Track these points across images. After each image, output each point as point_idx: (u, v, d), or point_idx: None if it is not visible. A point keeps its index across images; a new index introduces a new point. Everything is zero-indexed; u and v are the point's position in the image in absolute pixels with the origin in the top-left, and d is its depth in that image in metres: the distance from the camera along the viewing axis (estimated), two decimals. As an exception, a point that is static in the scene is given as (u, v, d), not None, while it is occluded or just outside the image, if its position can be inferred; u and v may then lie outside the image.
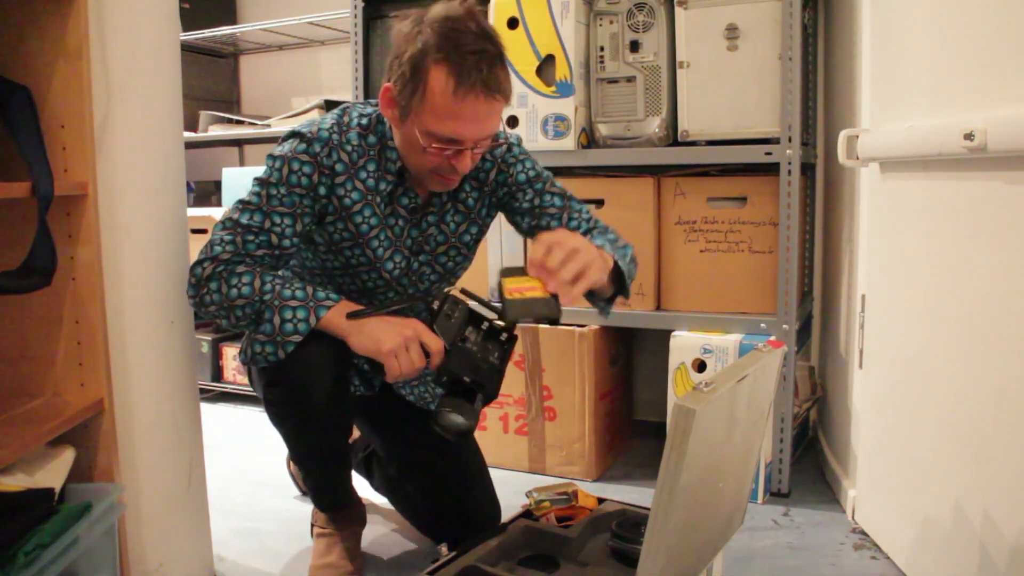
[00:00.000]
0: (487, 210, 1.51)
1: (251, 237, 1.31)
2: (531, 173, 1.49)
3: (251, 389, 1.64)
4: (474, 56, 1.21)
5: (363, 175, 1.38)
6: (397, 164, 1.38)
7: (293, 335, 1.26)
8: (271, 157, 1.35)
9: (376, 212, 1.40)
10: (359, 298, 1.48)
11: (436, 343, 1.27)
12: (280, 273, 1.34)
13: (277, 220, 1.32)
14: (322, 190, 1.35)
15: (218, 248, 1.30)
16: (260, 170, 1.39)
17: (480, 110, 1.25)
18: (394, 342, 1.24)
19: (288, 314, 1.26)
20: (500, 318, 1.27)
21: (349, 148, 1.36)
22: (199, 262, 1.31)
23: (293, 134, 1.36)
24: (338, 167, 1.35)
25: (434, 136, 1.27)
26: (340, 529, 1.55)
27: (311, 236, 1.43)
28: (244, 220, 1.32)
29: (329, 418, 1.38)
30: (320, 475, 1.53)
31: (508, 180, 1.48)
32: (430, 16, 1.25)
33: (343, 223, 1.39)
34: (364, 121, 1.39)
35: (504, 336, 1.33)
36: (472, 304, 1.35)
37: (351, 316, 1.27)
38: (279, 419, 1.41)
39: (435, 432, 1.28)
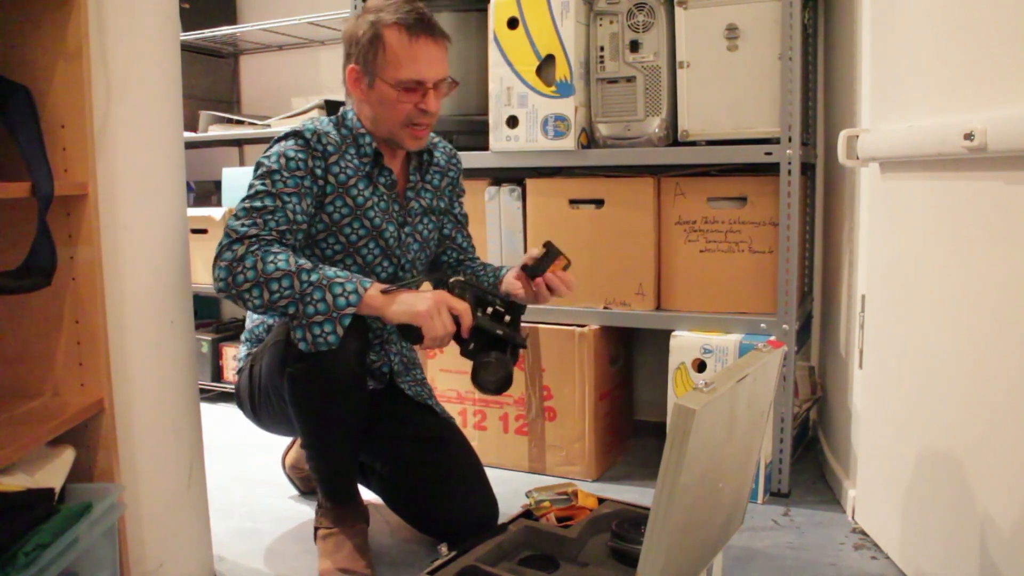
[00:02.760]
0: (447, 191, 1.76)
1: (269, 216, 1.41)
2: (463, 187, 1.81)
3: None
4: (413, 12, 1.50)
5: (348, 156, 1.56)
6: (372, 146, 1.57)
7: (347, 308, 1.34)
8: (265, 157, 1.49)
9: (367, 186, 1.57)
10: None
11: (463, 305, 1.41)
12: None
13: (287, 199, 1.44)
14: (318, 171, 1.50)
15: (243, 230, 1.38)
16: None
17: (431, 51, 1.51)
18: (427, 305, 1.37)
19: (338, 289, 1.34)
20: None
21: (333, 135, 1.54)
22: (227, 246, 1.37)
23: (280, 137, 1.53)
24: (329, 148, 1.52)
25: (401, 83, 1.50)
26: (347, 527, 1.55)
27: (312, 226, 1.53)
28: (258, 205, 1.42)
29: (354, 387, 1.46)
30: (337, 459, 1.53)
31: (457, 183, 1.79)
32: (368, 5, 1.55)
33: (341, 199, 1.54)
34: (333, 120, 1.59)
35: (508, 319, 1.48)
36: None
37: (385, 292, 1.38)
38: (305, 394, 1.44)
39: (435, 426, 1.36)
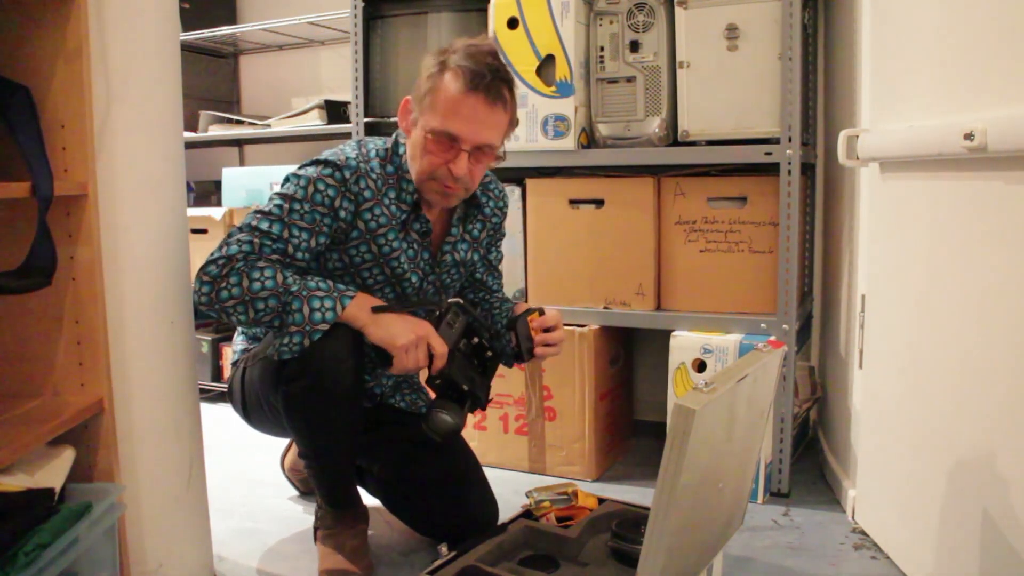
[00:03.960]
0: (484, 241, 1.68)
1: (268, 242, 1.38)
2: (504, 230, 1.73)
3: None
4: (488, 69, 1.38)
5: (386, 201, 1.48)
6: (414, 196, 1.49)
7: (321, 324, 1.33)
8: (295, 176, 1.43)
9: (397, 236, 1.50)
10: None
11: (442, 347, 1.38)
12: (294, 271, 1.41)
13: (296, 232, 1.40)
14: (343, 213, 1.44)
15: (235, 248, 1.36)
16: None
17: (480, 112, 1.39)
18: (407, 339, 1.34)
19: (316, 303, 1.33)
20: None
21: (374, 176, 1.47)
22: (213, 260, 1.35)
23: (320, 161, 1.45)
24: (366, 193, 1.45)
25: (435, 133, 1.40)
26: (347, 528, 1.55)
27: (328, 261, 1.50)
28: (263, 227, 1.39)
29: (351, 403, 1.43)
30: (336, 468, 1.53)
31: (499, 228, 1.71)
32: (457, 42, 1.43)
33: (367, 245, 1.48)
34: (382, 152, 1.51)
35: (489, 353, 1.47)
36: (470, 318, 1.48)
37: (375, 309, 1.37)
38: (302, 412, 1.42)
39: (425, 432, 1.40)
